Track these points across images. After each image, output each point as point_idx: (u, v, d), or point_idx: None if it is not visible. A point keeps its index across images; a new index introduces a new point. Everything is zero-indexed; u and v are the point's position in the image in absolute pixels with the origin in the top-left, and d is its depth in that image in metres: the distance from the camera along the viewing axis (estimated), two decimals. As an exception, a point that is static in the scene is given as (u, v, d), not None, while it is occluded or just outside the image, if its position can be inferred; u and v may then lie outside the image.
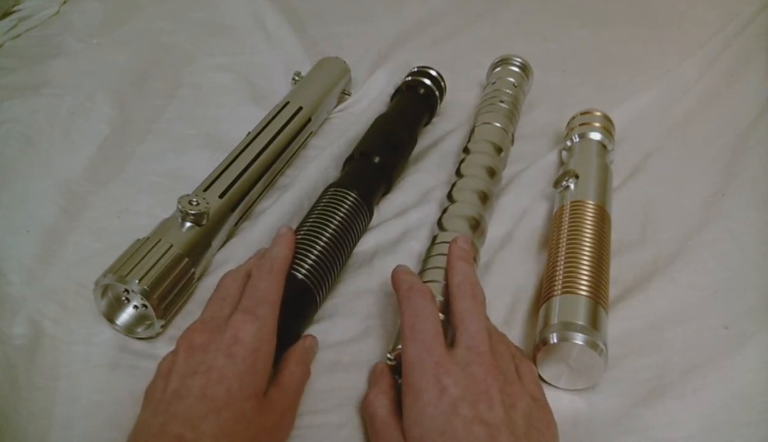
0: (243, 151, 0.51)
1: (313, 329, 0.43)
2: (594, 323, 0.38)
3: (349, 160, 0.53)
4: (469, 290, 0.38)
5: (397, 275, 0.39)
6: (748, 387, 0.39)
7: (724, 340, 0.42)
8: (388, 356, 0.38)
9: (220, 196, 0.47)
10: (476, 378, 0.32)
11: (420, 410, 0.32)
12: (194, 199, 0.45)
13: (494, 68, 0.65)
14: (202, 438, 0.30)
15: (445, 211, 0.49)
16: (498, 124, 0.56)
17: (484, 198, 0.49)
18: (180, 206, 0.44)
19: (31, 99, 0.61)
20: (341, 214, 0.46)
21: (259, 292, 0.37)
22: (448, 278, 0.40)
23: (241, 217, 0.50)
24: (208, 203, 0.45)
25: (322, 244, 0.43)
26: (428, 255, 0.45)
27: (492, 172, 0.52)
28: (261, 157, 0.52)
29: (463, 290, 0.38)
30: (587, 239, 0.44)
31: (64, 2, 0.80)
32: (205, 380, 0.31)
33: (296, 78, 0.65)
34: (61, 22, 0.77)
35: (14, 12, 0.77)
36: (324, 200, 0.47)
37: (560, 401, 0.38)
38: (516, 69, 0.63)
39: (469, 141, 0.56)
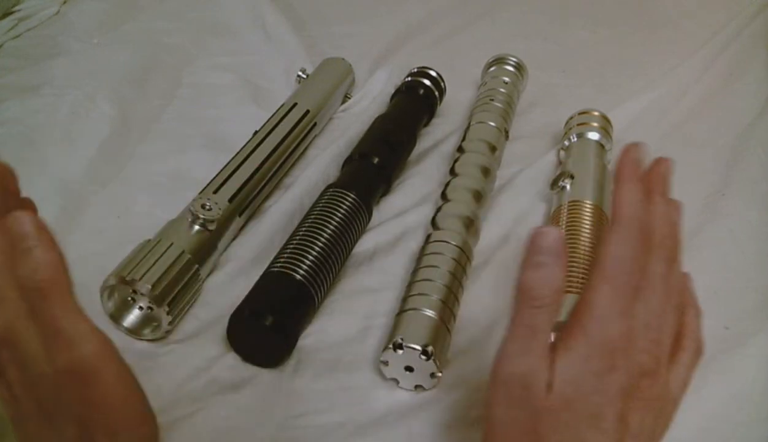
0: (252, 153, 0.51)
1: (312, 329, 0.43)
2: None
3: (349, 161, 0.53)
4: (632, 234, 0.26)
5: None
6: (748, 387, 0.39)
7: (724, 340, 0.42)
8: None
9: (230, 201, 0.47)
10: (590, 385, 0.25)
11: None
12: (207, 204, 0.45)
13: (489, 68, 0.65)
14: None
15: (439, 210, 0.49)
16: (492, 123, 0.56)
17: (479, 197, 0.49)
18: (192, 209, 0.44)
19: (31, 99, 0.61)
20: (340, 215, 0.46)
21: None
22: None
23: (246, 221, 0.50)
24: (220, 209, 0.45)
25: (321, 244, 0.43)
26: (422, 254, 0.45)
27: (486, 171, 0.52)
28: (269, 161, 0.51)
29: (626, 232, 0.26)
30: (584, 239, 0.44)
31: (64, 2, 0.80)
32: None
33: (301, 74, 0.64)
34: (61, 22, 0.77)
35: (14, 12, 0.77)
36: (323, 201, 0.47)
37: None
38: (510, 68, 0.63)
39: (463, 140, 0.56)
